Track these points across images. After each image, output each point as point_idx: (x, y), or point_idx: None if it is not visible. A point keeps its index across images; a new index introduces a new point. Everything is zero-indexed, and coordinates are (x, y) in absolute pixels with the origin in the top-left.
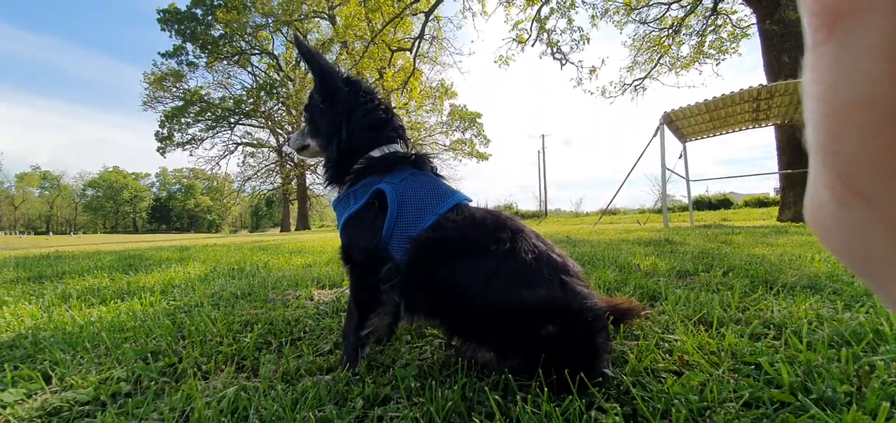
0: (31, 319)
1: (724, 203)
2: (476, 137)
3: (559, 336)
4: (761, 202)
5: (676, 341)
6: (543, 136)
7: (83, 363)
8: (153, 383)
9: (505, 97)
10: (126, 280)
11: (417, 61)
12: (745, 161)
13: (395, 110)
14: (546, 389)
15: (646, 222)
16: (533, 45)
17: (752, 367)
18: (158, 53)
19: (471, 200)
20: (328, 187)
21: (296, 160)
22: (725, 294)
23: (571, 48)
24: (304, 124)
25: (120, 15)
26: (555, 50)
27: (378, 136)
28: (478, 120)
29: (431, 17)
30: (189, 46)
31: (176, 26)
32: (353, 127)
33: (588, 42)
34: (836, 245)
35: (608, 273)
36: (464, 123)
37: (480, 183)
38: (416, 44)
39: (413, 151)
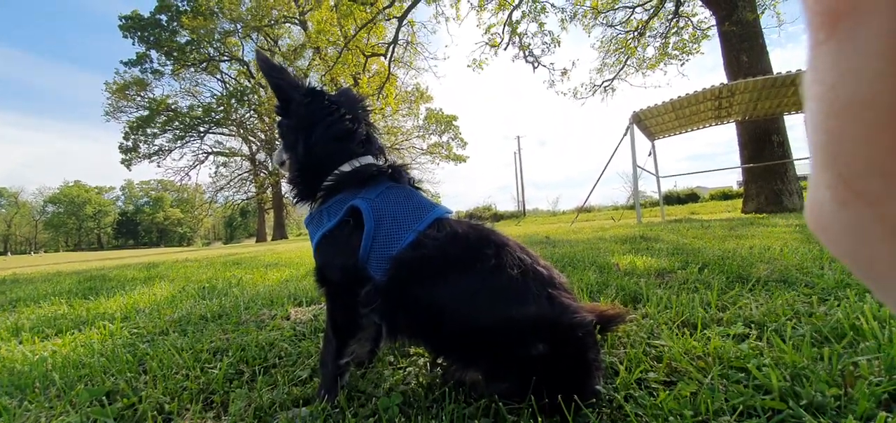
0: None
1: (691, 197)
2: (453, 139)
3: (550, 355)
4: (726, 195)
5: (664, 346)
6: (519, 137)
7: (31, 409)
8: None
9: (480, 100)
10: (85, 307)
11: (392, 66)
12: (709, 156)
13: (369, 120)
14: (539, 415)
15: (620, 219)
16: (505, 49)
17: (741, 373)
18: (121, 62)
19: (451, 213)
20: (297, 205)
21: (270, 168)
22: (704, 293)
23: (543, 51)
24: None
25: (78, 23)
26: (527, 53)
27: (345, 148)
28: (454, 123)
29: (405, 22)
30: (153, 54)
31: (139, 33)
32: (314, 140)
33: (559, 45)
34: (837, 246)
35: (589, 275)
36: (440, 127)
37: (459, 186)
38: (391, 49)
39: (388, 163)
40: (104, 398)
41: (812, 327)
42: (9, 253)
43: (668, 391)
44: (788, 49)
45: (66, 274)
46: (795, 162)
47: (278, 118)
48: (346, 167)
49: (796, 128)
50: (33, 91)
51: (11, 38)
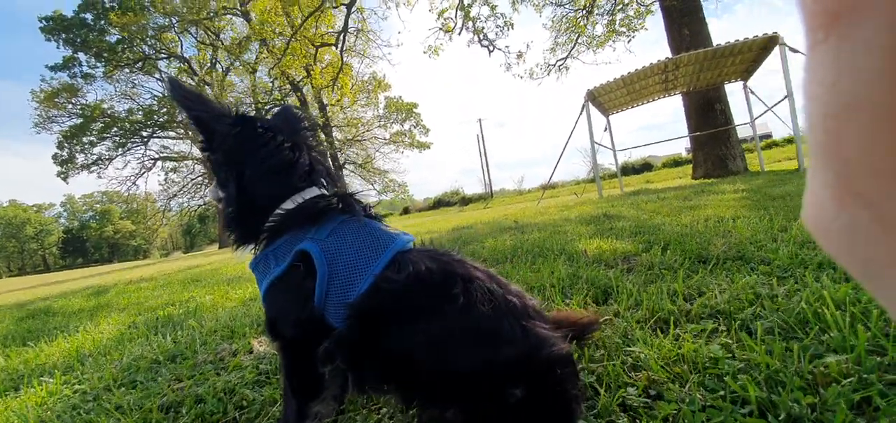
0: None
1: (646, 166)
2: (415, 127)
3: (529, 399)
4: (676, 162)
5: (639, 354)
6: (480, 120)
7: None
8: None
9: (440, 86)
10: (23, 357)
11: (345, 56)
12: (660, 126)
13: (313, 142)
14: None
15: (582, 193)
16: (459, 34)
17: (718, 381)
18: (46, 67)
19: (412, 241)
20: (238, 249)
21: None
22: (670, 281)
23: (497, 34)
24: None
25: None
26: (481, 37)
27: (286, 182)
28: (415, 110)
29: (353, 8)
30: (82, 56)
31: (64, 35)
32: (248, 177)
33: (512, 28)
34: (834, 246)
35: (560, 267)
36: (401, 115)
37: (426, 172)
38: (342, 38)
39: (337, 194)
40: None
41: (777, 316)
42: None
43: (651, 419)
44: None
45: (6, 309)
46: (737, 127)
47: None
48: (288, 204)
49: (736, 94)
50: None
51: None
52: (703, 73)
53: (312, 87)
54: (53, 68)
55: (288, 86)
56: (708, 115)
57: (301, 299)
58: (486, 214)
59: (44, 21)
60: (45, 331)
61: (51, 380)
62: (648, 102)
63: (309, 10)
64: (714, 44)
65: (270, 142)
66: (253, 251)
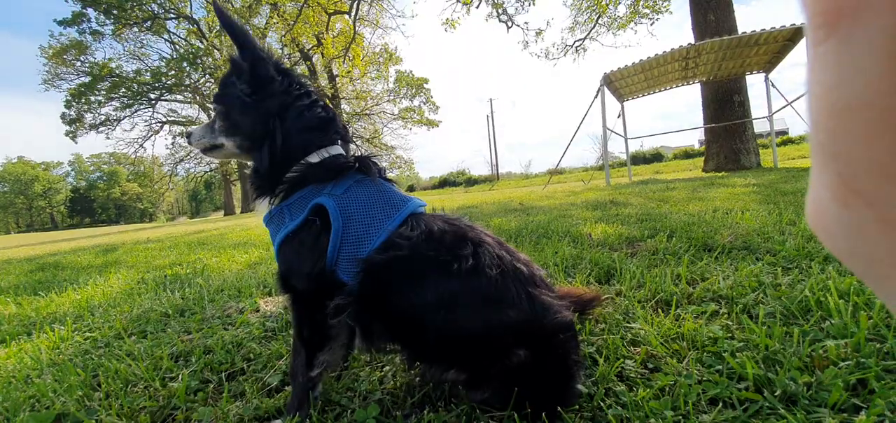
0: None
1: (656, 157)
2: (424, 103)
3: (531, 362)
4: (688, 154)
5: (639, 330)
6: (491, 100)
7: None
8: None
9: (452, 62)
10: (35, 305)
11: (357, 25)
12: (675, 115)
13: (333, 108)
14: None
15: (589, 181)
16: (478, 7)
17: (716, 358)
18: (55, 21)
19: (424, 206)
20: (256, 200)
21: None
22: (674, 266)
23: (516, 10)
24: (214, 117)
25: None
26: (500, 12)
27: (317, 138)
28: (425, 86)
29: None
30: (91, 12)
31: None
32: (288, 128)
33: (533, 3)
34: (836, 245)
35: (564, 247)
36: (411, 90)
37: (433, 150)
38: (355, 6)
39: (356, 155)
40: None
41: (779, 303)
42: None
43: (647, 389)
44: (753, 6)
45: (17, 262)
46: (754, 121)
47: (229, 91)
48: (313, 158)
49: (756, 85)
50: None
51: None
52: (724, 62)
53: (323, 56)
54: (62, 23)
55: (298, 54)
56: (726, 106)
57: (314, 255)
58: (491, 195)
59: None
60: (54, 283)
61: (62, 327)
62: (666, 89)
63: None
64: (739, 32)
65: (306, 97)
66: (270, 204)
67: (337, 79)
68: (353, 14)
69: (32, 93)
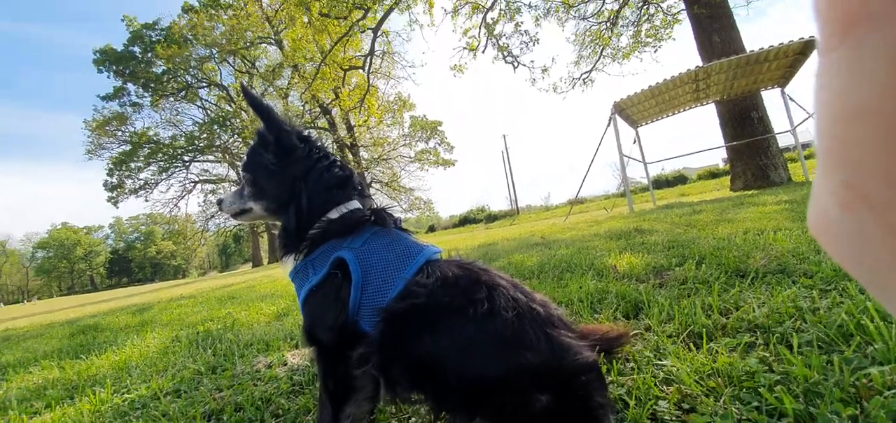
0: None
1: (680, 179)
2: (439, 145)
3: (554, 406)
4: (713, 174)
5: (671, 368)
6: (505, 136)
7: None
8: None
9: (464, 102)
10: (76, 369)
11: (371, 78)
12: (693, 136)
13: (350, 164)
14: None
15: (612, 208)
16: (484, 52)
17: (753, 394)
18: (98, 97)
19: (440, 253)
20: (283, 258)
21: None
22: (705, 295)
23: (522, 50)
24: (242, 184)
25: (46, 62)
26: (506, 54)
27: (336, 195)
28: (439, 128)
29: (379, 32)
30: (131, 87)
31: (114, 67)
32: (310, 189)
33: (537, 43)
34: (840, 252)
35: (588, 282)
36: (426, 133)
37: (451, 189)
38: (368, 61)
39: (372, 208)
40: None
41: (817, 329)
42: (1, 304)
43: None
44: (758, 24)
45: (58, 325)
46: (778, 135)
47: (255, 160)
48: (333, 214)
49: (775, 99)
50: (9, 138)
51: None
52: (736, 80)
53: (340, 109)
54: (105, 98)
55: (318, 109)
56: (744, 123)
57: (337, 305)
58: (512, 230)
59: (97, 53)
60: (94, 345)
61: (102, 390)
62: (679, 112)
63: (338, 36)
64: (747, 50)
65: (325, 159)
66: (295, 259)
67: (355, 128)
68: (366, 68)
69: (77, 162)
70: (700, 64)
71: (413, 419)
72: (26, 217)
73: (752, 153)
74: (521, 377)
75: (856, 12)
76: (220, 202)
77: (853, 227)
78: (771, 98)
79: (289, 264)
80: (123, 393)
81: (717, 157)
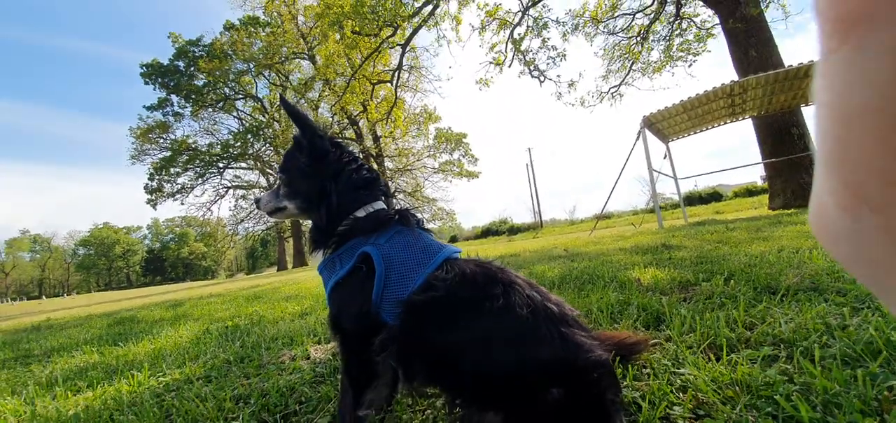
0: (14, 416)
1: (714, 196)
2: (463, 157)
3: (566, 400)
4: (750, 191)
5: (688, 376)
6: (530, 149)
7: None
8: None
9: (489, 115)
10: (115, 354)
11: (399, 91)
12: (728, 152)
13: (377, 169)
14: None
15: (640, 224)
16: (510, 66)
17: (769, 403)
18: (144, 107)
19: (459, 253)
20: (313, 252)
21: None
22: (730, 309)
23: (548, 65)
24: (278, 184)
25: (100, 75)
26: (532, 68)
27: (363, 196)
28: (464, 140)
29: (408, 48)
30: (173, 98)
31: (159, 80)
32: (340, 189)
33: (564, 58)
34: (840, 252)
35: (610, 293)
36: (450, 145)
37: (474, 202)
38: (396, 75)
39: (396, 208)
40: None
41: (844, 344)
42: (43, 297)
43: None
44: (798, 40)
45: (97, 317)
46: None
47: (291, 162)
48: (360, 213)
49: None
50: (62, 142)
51: (42, 95)
52: (774, 96)
53: (368, 120)
54: (149, 108)
55: (346, 120)
56: (784, 140)
57: (361, 297)
58: (535, 243)
59: (144, 67)
60: (131, 335)
61: (139, 373)
62: (713, 127)
63: (368, 52)
64: (785, 65)
65: (354, 162)
66: (324, 254)
67: (381, 139)
68: (394, 82)
69: (121, 167)
70: (735, 78)
71: (428, 411)
72: (78, 217)
73: (792, 171)
74: (534, 371)
75: (856, 14)
76: (257, 201)
77: (852, 226)
78: (811, 113)
79: (318, 258)
80: (159, 377)
81: (755, 174)
